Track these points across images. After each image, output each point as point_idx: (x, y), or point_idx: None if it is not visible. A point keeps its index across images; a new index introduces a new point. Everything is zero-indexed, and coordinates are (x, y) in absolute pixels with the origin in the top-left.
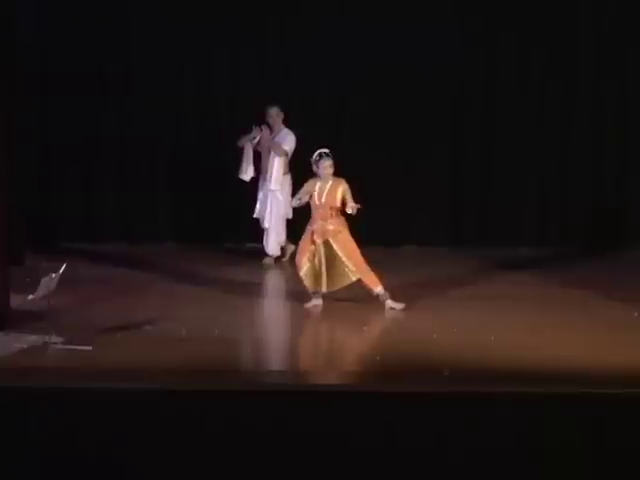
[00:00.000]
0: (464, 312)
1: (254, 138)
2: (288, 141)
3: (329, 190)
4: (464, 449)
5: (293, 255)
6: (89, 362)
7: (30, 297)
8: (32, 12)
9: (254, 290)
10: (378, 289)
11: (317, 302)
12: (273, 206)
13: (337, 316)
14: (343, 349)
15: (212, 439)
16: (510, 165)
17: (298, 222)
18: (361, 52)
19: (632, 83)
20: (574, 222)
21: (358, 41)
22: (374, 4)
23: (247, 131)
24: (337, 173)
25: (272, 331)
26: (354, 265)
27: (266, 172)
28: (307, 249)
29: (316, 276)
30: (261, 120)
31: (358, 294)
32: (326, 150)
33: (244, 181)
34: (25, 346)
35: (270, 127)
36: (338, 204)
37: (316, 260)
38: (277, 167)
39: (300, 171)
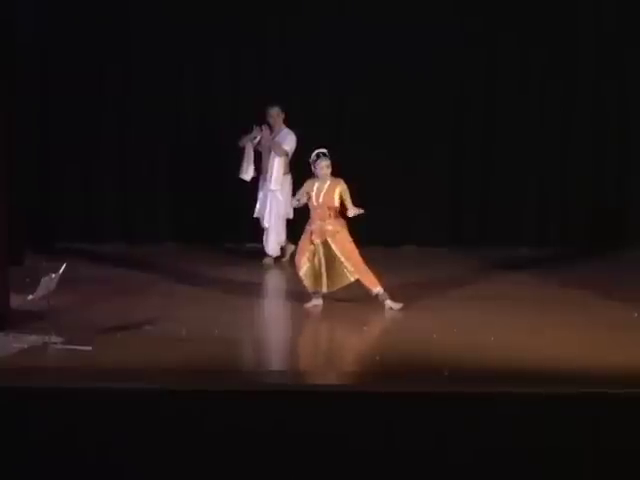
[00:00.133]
0: (464, 312)
1: (255, 138)
2: (289, 141)
3: (327, 190)
4: (464, 449)
5: (293, 255)
6: (89, 362)
7: (30, 297)
8: (32, 12)
9: (254, 290)
10: (377, 289)
11: (317, 302)
12: (273, 206)
13: (337, 316)
14: (343, 349)
15: (212, 439)
16: (510, 165)
17: (298, 222)
18: (361, 52)
19: (632, 83)
20: (574, 222)
21: (358, 41)
22: (374, 4)
23: (248, 131)
24: (337, 173)
25: (272, 331)
26: (352, 265)
27: (266, 172)
28: (306, 249)
29: (316, 276)
30: (261, 120)
31: (358, 294)
32: (324, 150)
33: (245, 181)
34: (25, 346)
35: (271, 127)
36: (336, 204)
37: (316, 260)
38: (277, 167)
39: (300, 171)
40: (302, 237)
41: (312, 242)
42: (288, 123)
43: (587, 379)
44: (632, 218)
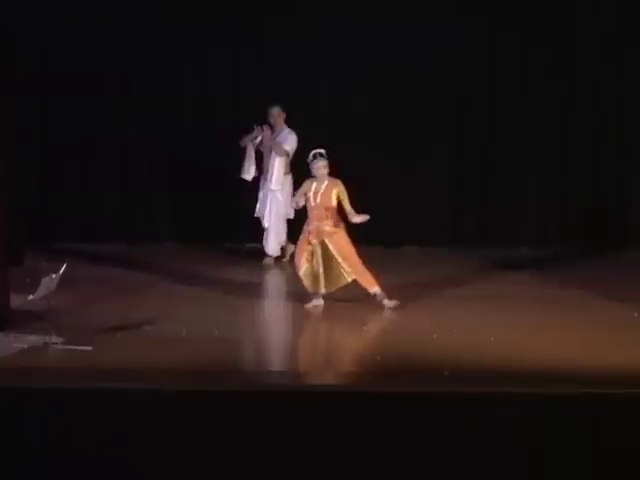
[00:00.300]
0: (464, 312)
1: (256, 138)
2: (289, 141)
3: (324, 191)
4: (464, 449)
5: (293, 255)
6: (89, 362)
7: (30, 297)
8: (32, 12)
9: (254, 290)
10: (374, 289)
11: (317, 302)
12: (273, 206)
13: (337, 316)
14: (343, 350)
15: (212, 439)
16: (510, 165)
17: (298, 222)
18: (361, 52)
19: (632, 83)
20: (574, 222)
21: (358, 41)
22: (374, 4)
23: (248, 131)
24: (337, 173)
25: (272, 332)
26: (350, 266)
27: (267, 172)
28: (305, 249)
29: (314, 277)
30: (262, 120)
31: (358, 294)
32: (321, 150)
33: (245, 181)
34: (25, 346)
35: (272, 127)
36: (333, 205)
37: (314, 261)
38: (278, 167)
39: (301, 171)
40: (300, 237)
41: (310, 242)
42: (289, 123)
43: (587, 379)
44: (632, 218)
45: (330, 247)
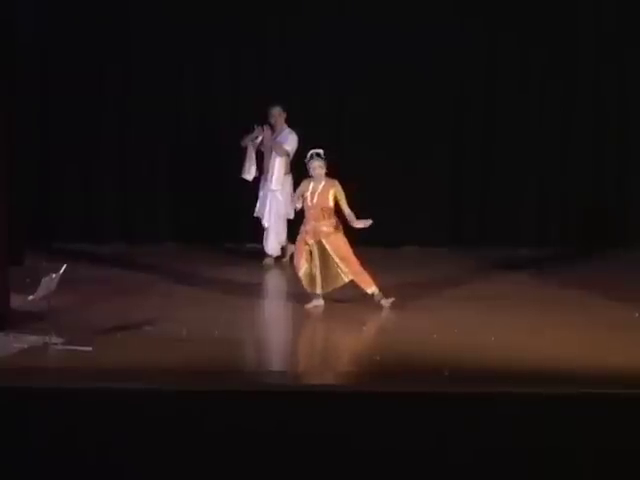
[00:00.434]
0: (464, 312)
1: (256, 138)
2: (290, 141)
3: (321, 191)
4: (464, 449)
5: (293, 255)
6: (89, 362)
7: (30, 297)
8: (32, 12)
9: (254, 290)
10: (372, 290)
11: (318, 303)
12: (272, 206)
13: (337, 317)
14: (343, 350)
15: (212, 439)
16: (510, 165)
17: (298, 222)
18: (361, 52)
19: (632, 83)
20: (574, 222)
21: (358, 41)
22: (374, 4)
23: (249, 131)
24: (337, 173)
25: (272, 332)
26: (347, 266)
27: (267, 172)
28: (303, 249)
29: (311, 277)
30: (262, 120)
31: (358, 295)
32: (318, 150)
33: (245, 181)
34: (25, 346)
35: (272, 127)
36: (330, 205)
37: (312, 261)
38: (278, 167)
39: (301, 171)
40: (297, 238)
41: (307, 242)
42: (289, 123)
43: (587, 379)
44: (632, 218)
45: (327, 247)
